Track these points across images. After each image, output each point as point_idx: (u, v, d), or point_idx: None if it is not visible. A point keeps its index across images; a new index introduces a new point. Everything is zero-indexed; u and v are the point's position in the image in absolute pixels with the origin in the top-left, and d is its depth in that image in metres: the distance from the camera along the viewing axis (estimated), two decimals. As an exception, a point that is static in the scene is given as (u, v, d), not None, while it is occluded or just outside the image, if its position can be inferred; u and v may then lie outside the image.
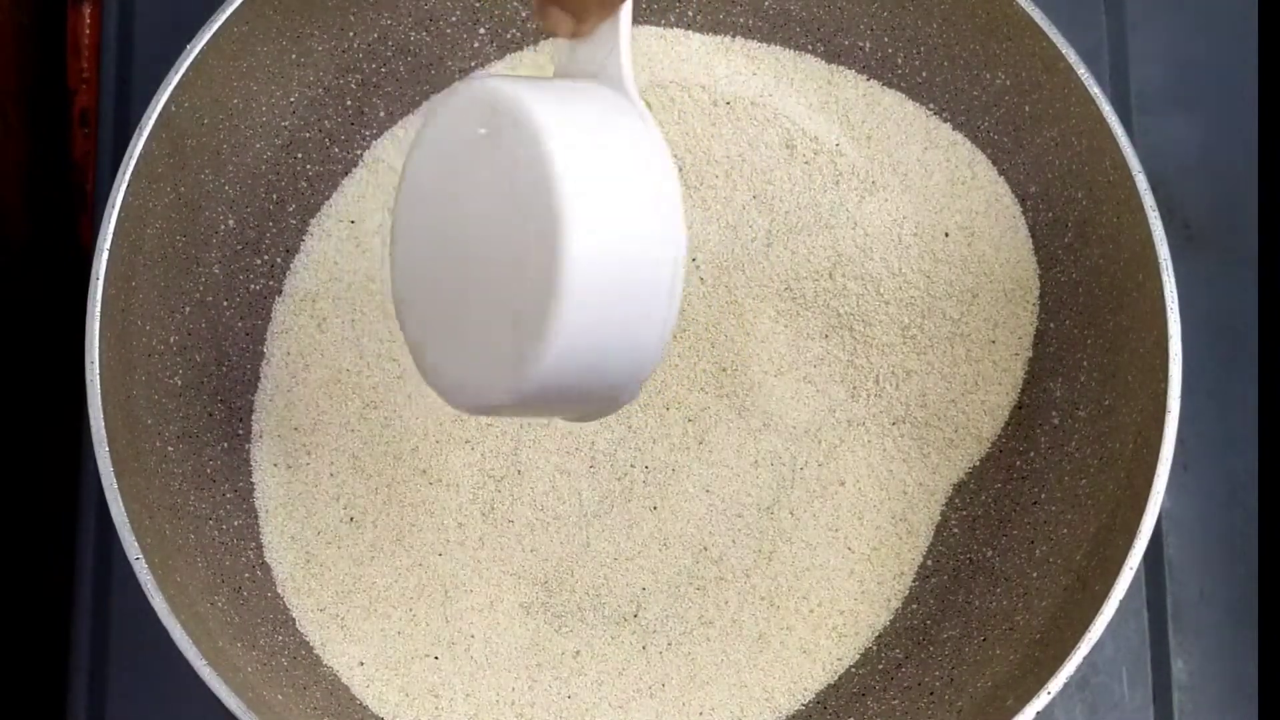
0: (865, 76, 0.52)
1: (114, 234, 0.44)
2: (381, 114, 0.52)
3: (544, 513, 0.50)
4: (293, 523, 0.49)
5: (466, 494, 0.50)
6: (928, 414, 0.50)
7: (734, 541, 0.50)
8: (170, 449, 0.47)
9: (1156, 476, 0.43)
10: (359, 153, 0.52)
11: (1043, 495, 0.48)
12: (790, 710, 0.48)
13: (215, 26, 0.45)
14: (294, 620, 0.48)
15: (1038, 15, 0.47)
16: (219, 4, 0.46)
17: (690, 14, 0.52)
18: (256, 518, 0.49)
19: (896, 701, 0.47)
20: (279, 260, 0.51)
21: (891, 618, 0.49)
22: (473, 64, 0.53)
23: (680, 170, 0.52)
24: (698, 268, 0.51)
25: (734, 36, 0.52)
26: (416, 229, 0.38)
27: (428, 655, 0.48)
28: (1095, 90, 0.46)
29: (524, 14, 0.52)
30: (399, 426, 0.51)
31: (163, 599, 0.42)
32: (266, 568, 0.48)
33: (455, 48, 0.52)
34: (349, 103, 0.51)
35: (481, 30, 0.52)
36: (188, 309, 0.48)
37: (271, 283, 0.51)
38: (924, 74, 0.51)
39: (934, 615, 0.49)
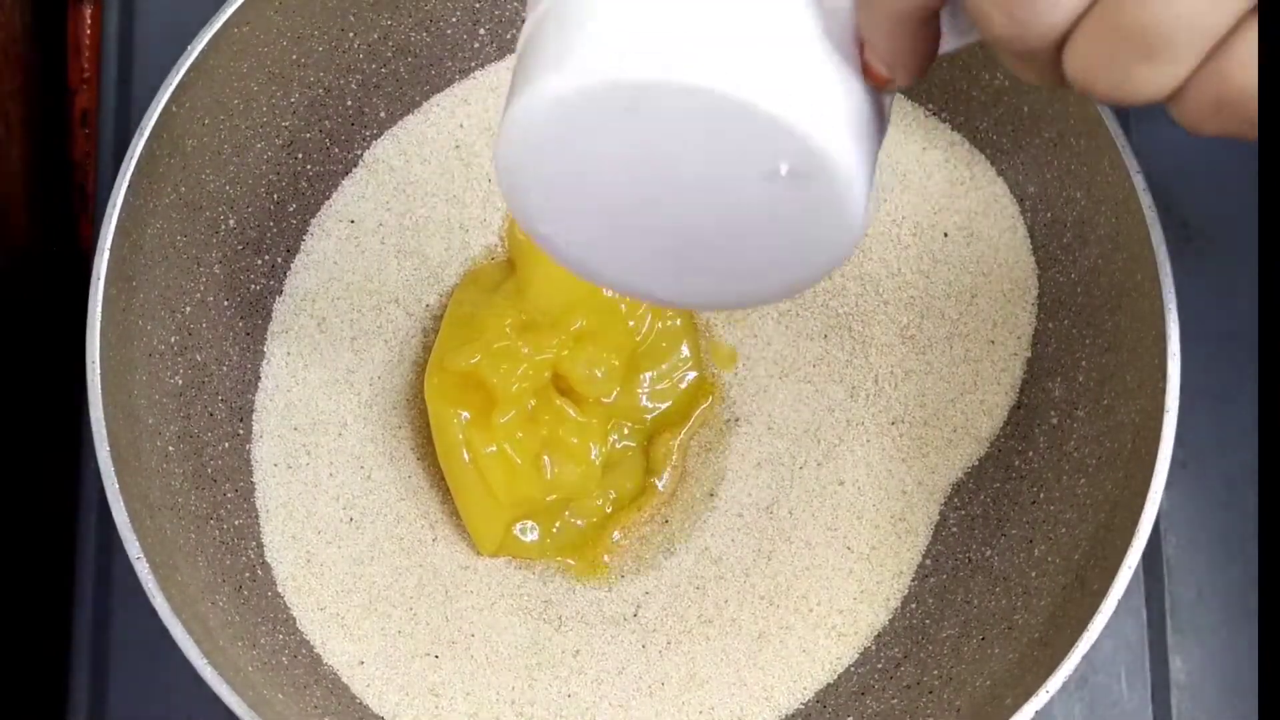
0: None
1: (114, 234, 0.44)
2: (381, 114, 0.52)
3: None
4: (293, 522, 0.49)
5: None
6: (926, 414, 0.50)
7: (733, 541, 0.50)
8: (171, 449, 0.47)
9: (1155, 476, 0.43)
10: (359, 153, 0.52)
11: (1041, 495, 0.48)
12: (790, 709, 0.49)
13: (216, 27, 0.46)
14: (294, 619, 0.48)
15: (1036, 16, 0.47)
16: (219, 4, 0.46)
17: (690, 14, 0.52)
18: (257, 517, 0.49)
19: (895, 700, 0.47)
20: (279, 260, 0.51)
21: (890, 617, 0.49)
22: (473, 65, 0.53)
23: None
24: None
25: (733, 37, 0.52)
26: (594, 192, 0.33)
27: (428, 654, 0.48)
28: (1094, 90, 0.46)
29: (524, 15, 0.52)
30: (399, 427, 0.51)
31: (164, 599, 0.42)
32: (267, 567, 0.49)
33: (455, 48, 0.52)
34: (349, 103, 0.51)
35: (482, 31, 0.52)
36: (188, 309, 0.48)
37: (272, 282, 0.51)
38: (923, 74, 0.51)
39: (933, 614, 0.49)
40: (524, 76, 0.32)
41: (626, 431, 0.51)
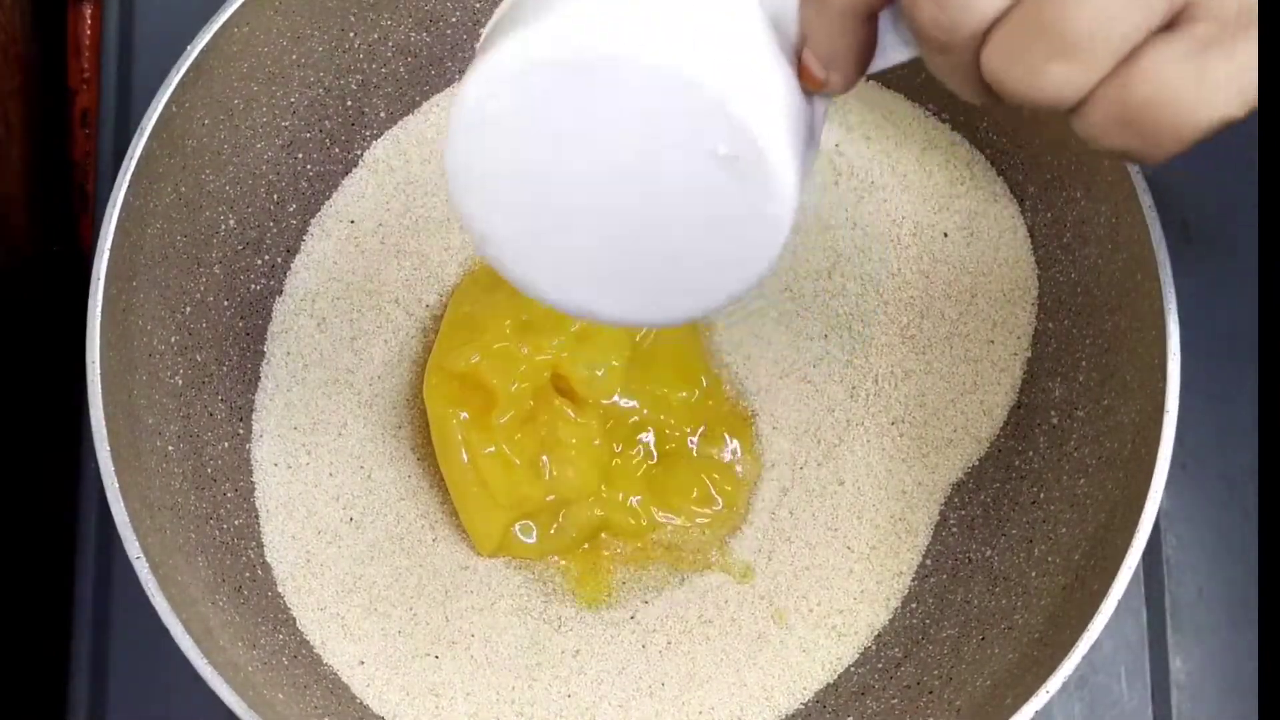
0: (864, 78, 0.52)
1: (115, 234, 0.44)
2: (381, 114, 0.52)
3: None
4: (293, 522, 0.49)
5: (466, 493, 0.50)
6: (926, 414, 0.50)
7: (734, 542, 0.50)
8: (171, 448, 0.47)
9: (1155, 476, 0.43)
10: (359, 153, 0.52)
11: (1041, 495, 0.48)
12: (789, 709, 0.49)
13: (216, 27, 0.46)
14: (294, 620, 0.48)
15: (1036, 16, 0.47)
16: (219, 4, 0.46)
17: (690, 14, 0.52)
18: (257, 517, 0.49)
19: (895, 700, 0.47)
20: (279, 260, 0.51)
21: (890, 617, 0.49)
22: (472, 64, 0.53)
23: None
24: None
25: (733, 37, 0.52)
26: (529, 172, 0.34)
27: (428, 655, 0.48)
28: (1094, 90, 0.46)
29: (524, 14, 0.52)
30: (399, 427, 0.51)
31: (164, 599, 0.42)
32: (267, 567, 0.49)
33: (455, 49, 0.52)
34: (349, 103, 0.51)
35: (482, 31, 0.52)
36: (188, 309, 0.48)
37: (272, 282, 0.51)
38: (923, 75, 0.51)
39: (933, 614, 0.49)
40: (475, 60, 0.33)
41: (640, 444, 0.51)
